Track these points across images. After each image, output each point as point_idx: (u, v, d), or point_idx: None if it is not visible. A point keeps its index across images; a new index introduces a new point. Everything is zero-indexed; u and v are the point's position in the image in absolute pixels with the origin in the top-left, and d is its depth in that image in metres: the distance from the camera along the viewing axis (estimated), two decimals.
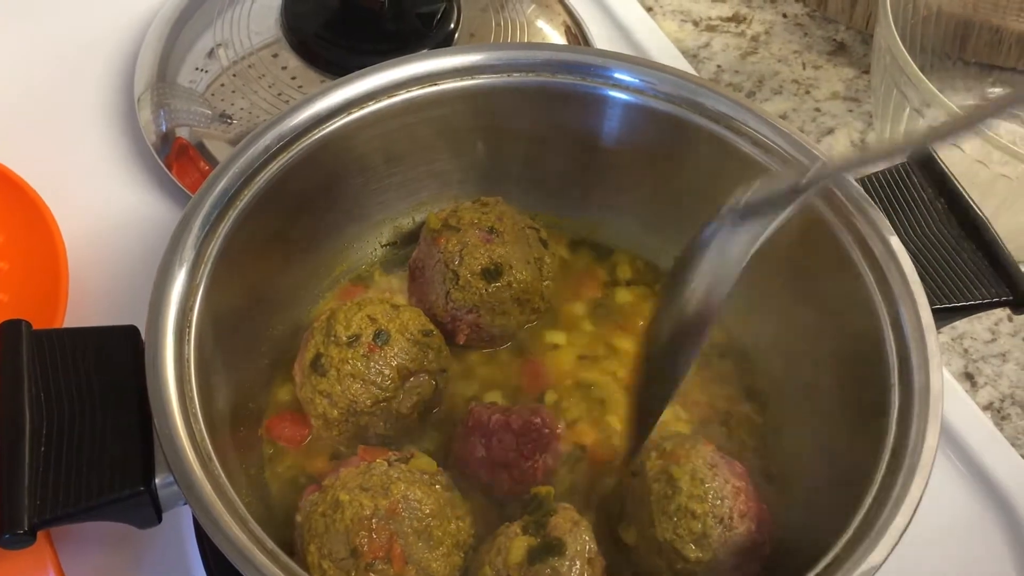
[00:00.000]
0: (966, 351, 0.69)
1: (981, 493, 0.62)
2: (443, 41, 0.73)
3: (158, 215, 0.70)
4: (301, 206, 0.58)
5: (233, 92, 0.75)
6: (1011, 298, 0.53)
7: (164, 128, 0.75)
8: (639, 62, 0.60)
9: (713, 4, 0.91)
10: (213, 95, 0.76)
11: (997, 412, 0.66)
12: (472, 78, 0.60)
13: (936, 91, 0.67)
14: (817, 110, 0.83)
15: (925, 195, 0.57)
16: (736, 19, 0.90)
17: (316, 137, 0.56)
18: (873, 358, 0.50)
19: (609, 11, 0.88)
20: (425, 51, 0.59)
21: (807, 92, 0.85)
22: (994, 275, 0.53)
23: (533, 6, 0.84)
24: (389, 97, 0.58)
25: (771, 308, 0.59)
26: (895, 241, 0.53)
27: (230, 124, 0.74)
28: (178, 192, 0.72)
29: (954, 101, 0.84)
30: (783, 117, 0.83)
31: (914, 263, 0.52)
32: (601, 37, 0.85)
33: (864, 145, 0.81)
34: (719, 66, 0.86)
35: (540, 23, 0.83)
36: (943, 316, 0.53)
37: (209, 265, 0.50)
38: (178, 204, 0.72)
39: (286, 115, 0.55)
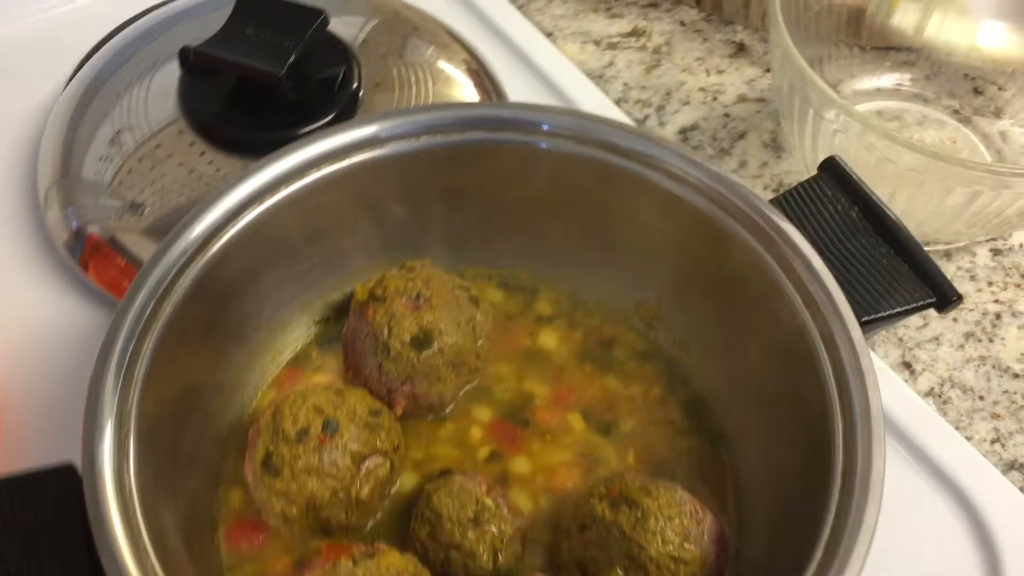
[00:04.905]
0: (901, 340, 0.71)
1: (932, 481, 0.63)
2: (349, 101, 0.72)
3: (79, 322, 0.68)
4: (227, 301, 0.57)
5: (141, 177, 0.73)
6: (934, 299, 0.54)
7: (74, 226, 0.73)
8: (546, 110, 0.61)
9: (612, 21, 0.92)
10: (121, 184, 0.74)
11: (939, 397, 0.68)
12: (383, 146, 0.59)
13: (834, 95, 0.68)
14: (727, 115, 0.84)
15: (839, 206, 0.58)
16: (636, 33, 0.90)
17: (233, 231, 0.55)
18: (812, 382, 0.51)
19: (510, 42, 0.88)
20: (331, 128, 0.59)
21: (714, 99, 0.86)
22: (915, 279, 0.55)
23: (432, 47, 0.83)
24: (300, 179, 0.58)
25: (708, 340, 0.60)
26: (815, 260, 0.53)
27: (143, 214, 0.72)
28: (97, 294, 0.70)
29: (855, 87, 0.86)
30: (694, 127, 0.84)
31: (837, 278, 0.53)
32: (504, 69, 0.85)
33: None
34: (626, 84, 0.87)
35: (441, 64, 0.82)
36: (872, 327, 0.54)
37: (138, 387, 0.49)
38: (99, 306, 0.70)
39: (196, 215, 0.55)
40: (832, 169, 0.59)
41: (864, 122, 0.65)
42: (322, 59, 0.71)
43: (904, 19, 0.61)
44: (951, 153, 0.64)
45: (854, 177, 0.58)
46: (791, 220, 0.56)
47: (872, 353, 0.53)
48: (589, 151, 0.60)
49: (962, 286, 0.74)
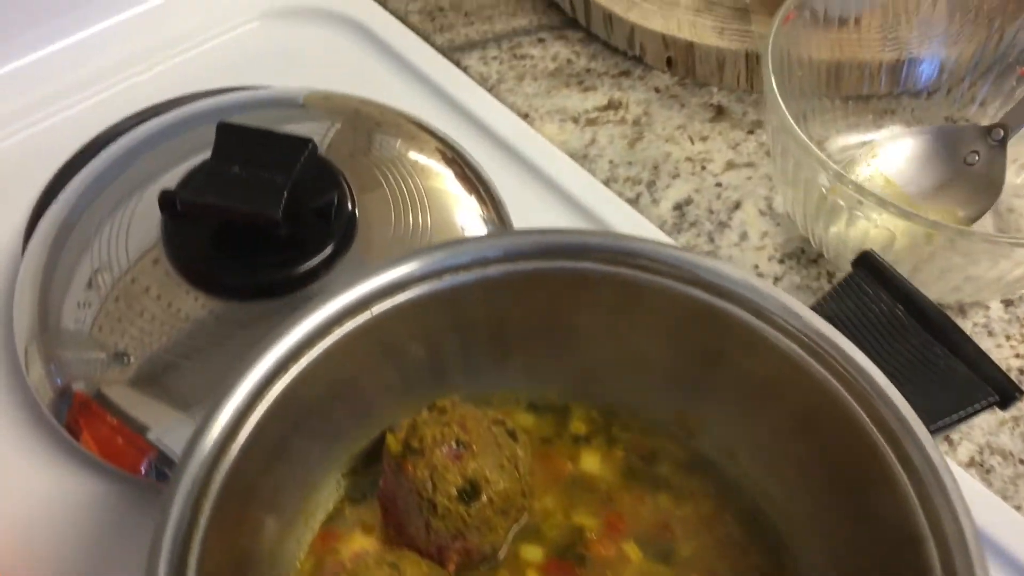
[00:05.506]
0: None
1: (990, 560, 0.62)
2: (347, 227, 0.68)
3: (79, 499, 0.63)
4: (259, 481, 0.53)
5: (120, 320, 0.69)
6: (997, 398, 0.53)
7: (59, 384, 0.68)
8: (571, 234, 0.58)
9: (586, 95, 0.89)
10: (101, 330, 0.69)
11: (981, 466, 0.67)
12: (403, 291, 0.56)
13: (829, 161, 0.67)
14: (718, 185, 0.83)
15: (883, 305, 0.56)
16: (612, 106, 0.88)
17: (262, 410, 0.51)
18: (899, 513, 0.49)
19: (485, 127, 0.86)
20: (346, 282, 0.55)
21: (703, 168, 0.84)
22: (974, 378, 0.53)
23: (399, 140, 0.80)
24: (322, 339, 0.54)
25: (756, 447, 0.58)
26: (876, 373, 0.52)
27: (127, 363, 0.67)
28: (91, 460, 0.65)
29: (841, 143, 0.85)
30: (688, 201, 0.82)
31: (898, 387, 0.52)
32: (482, 156, 0.82)
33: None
34: (611, 161, 0.84)
35: (413, 155, 0.79)
36: (936, 435, 0.52)
37: None
38: (95, 474, 0.64)
39: (220, 400, 0.50)
40: (869, 265, 0.57)
41: (881, 205, 0.64)
42: (312, 187, 0.67)
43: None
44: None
45: (892, 271, 0.57)
46: (837, 327, 0.54)
47: None
48: (617, 271, 0.57)
49: (981, 343, 0.72)
